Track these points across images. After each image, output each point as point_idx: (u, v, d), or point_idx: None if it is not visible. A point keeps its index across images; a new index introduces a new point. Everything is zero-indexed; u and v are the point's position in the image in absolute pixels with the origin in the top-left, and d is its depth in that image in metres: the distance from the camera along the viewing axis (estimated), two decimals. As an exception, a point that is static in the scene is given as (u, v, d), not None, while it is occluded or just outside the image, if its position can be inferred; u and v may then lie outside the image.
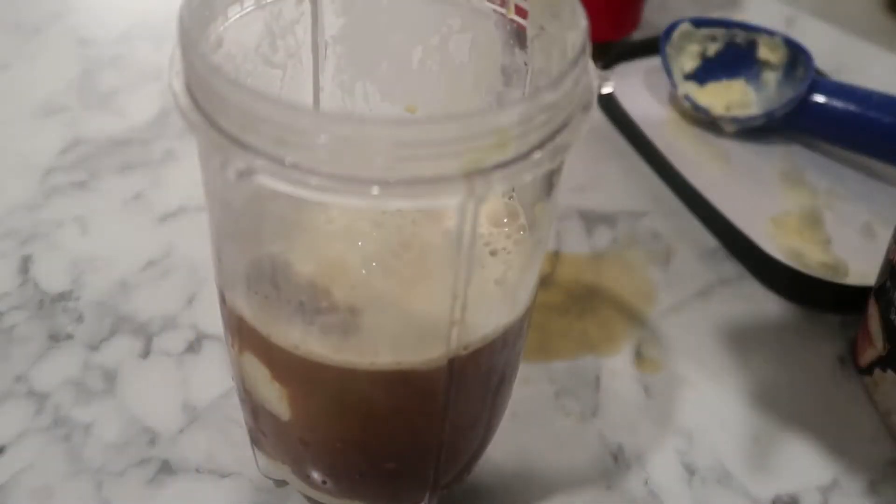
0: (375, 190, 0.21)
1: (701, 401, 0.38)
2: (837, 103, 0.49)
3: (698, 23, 0.54)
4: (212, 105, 0.22)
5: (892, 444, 0.37)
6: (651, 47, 0.56)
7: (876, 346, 0.38)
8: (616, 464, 0.35)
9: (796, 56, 0.52)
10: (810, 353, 0.41)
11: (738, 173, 0.50)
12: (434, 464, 0.31)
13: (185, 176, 0.47)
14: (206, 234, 0.28)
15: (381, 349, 0.26)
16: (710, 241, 0.46)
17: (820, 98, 0.49)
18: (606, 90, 0.25)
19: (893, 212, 0.47)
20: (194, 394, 0.36)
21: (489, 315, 0.27)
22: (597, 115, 0.53)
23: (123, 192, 0.45)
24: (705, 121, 0.53)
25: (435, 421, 0.29)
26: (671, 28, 0.54)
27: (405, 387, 0.27)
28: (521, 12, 0.28)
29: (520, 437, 0.36)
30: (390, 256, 0.25)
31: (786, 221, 0.47)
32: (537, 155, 0.22)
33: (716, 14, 0.61)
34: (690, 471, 0.35)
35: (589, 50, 0.24)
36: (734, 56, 0.54)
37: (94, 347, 0.38)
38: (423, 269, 0.26)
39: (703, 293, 0.43)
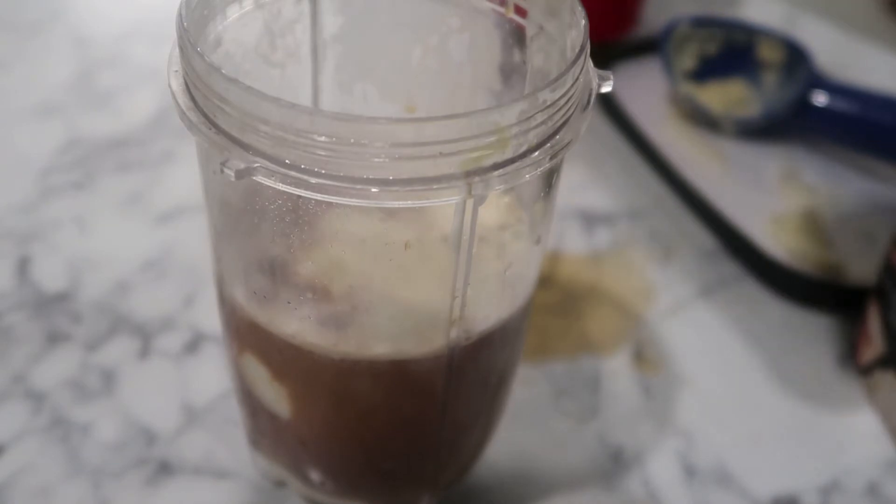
0: (375, 189, 0.21)
1: (701, 401, 0.38)
2: (837, 103, 0.49)
3: (698, 22, 0.54)
4: (210, 105, 0.22)
5: (892, 444, 0.37)
6: (651, 47, 0.56)
7: (876, 346, 0.38)
8: (615, 465, 0.35)
9: (796, 56, 0.52)
10: (810, 353, 0.41)
11: (738, 173, 0.50)
12: (433, 464, 0.31)
13: (183, 176, 0.47)
14: (205, 234, 0.28)
15: (380, 346, 0.26)
16: (710, 241, 0.46)
17: (820, 98, 0.49)
18: (605, 89, 0.25)
19: (893, 212, 0.47)
20: (193, 394, 0.36)
21: (488, 314, 0.27)
22: (596, 114, 0.53)
23: (122, 193, 0.45)
24: (705, 121, 0.53)
25: (434, 420, 0.29)
26: (671, 27, 0.53)
27: (405, 382, 0.27)
28: (520, 11, 0.28)
29: (519, 437, 0.36)
30: (389, 256, 0.25)
31: (786, 221, 0.47)
32: (536, 154, 0.22)
33: (716, 13, 0.61)
34: (690, 471, 0.35)
35: (588, 49, 0.24)
36: (734, 56, 0.54)
37: (92, 348, 0.38)
38: (422, 269, 0.26)
39: (702, 293, 0.43)
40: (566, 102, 0.22)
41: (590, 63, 0.24)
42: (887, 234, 0.45)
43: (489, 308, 0.27)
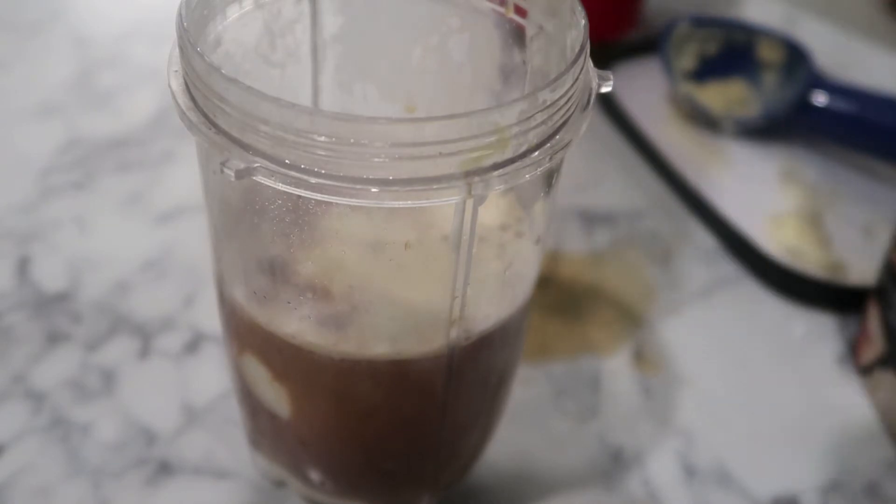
0: (375, 189, 0.21)
1: (701, 401, 0.38)
2: (837, 103, 0.49)
3: (698, 22, 0.54)
4: (210, 104, 0.22)
5: (892, 444, 0.37)
6: (650, 46, 0.56)
7: (876, 346, 0.38)
8: (615, 465, 0.35)
9: (796, 56, 0.52)
10: (810, 353, 0.41)
11: (738, 173, 0.50)
12: (433, 464, 0.31)
13: (183, 176, 0.47)
14: (205, 234, 0.28)
15: (380, 346, 0.26)
16: (709, 241, 0.46)
17: (820, 98, 0.49)
18: (605, 89, 0.25)
19: (893, 212, 0.47)
20: (192, 394, 0.36)
21: (488, 314, 0.27)
22: (596, 114, 0.53)
23: (122, 193, 0.45)
24: (705, 121, 0.53)
25: (434, 420, 0.29)
26: (671, 27, 0.53)
27: (405, 382, 0.27)
28: (520, 11, 0.28)
29: (519, 437, 0.36)
30: (389, 256, 0.25)
31: (786, 221, 0.47)
32: (536, 154, 0.22)
33: (716, 13, 0.61)
34: (690, 471, 0.35)
35: (588, 49, 0.24)
36: (734, 55, 0.54)
37: (92, 348, 0.38)
38: (422, 269, 0.26)
39: (702, 293, 0.43)
40: (566, 102, 0.22)
41: (590, 63, 0.24)
42: (887, 234, 0.45)
43: (489, 308, 0.27)
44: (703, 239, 0.46)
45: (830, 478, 0.36)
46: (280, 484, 0.33)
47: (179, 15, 0.23)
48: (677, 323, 0.41)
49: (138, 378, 0.37)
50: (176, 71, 0.23)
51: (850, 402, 0.39)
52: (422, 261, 0.25)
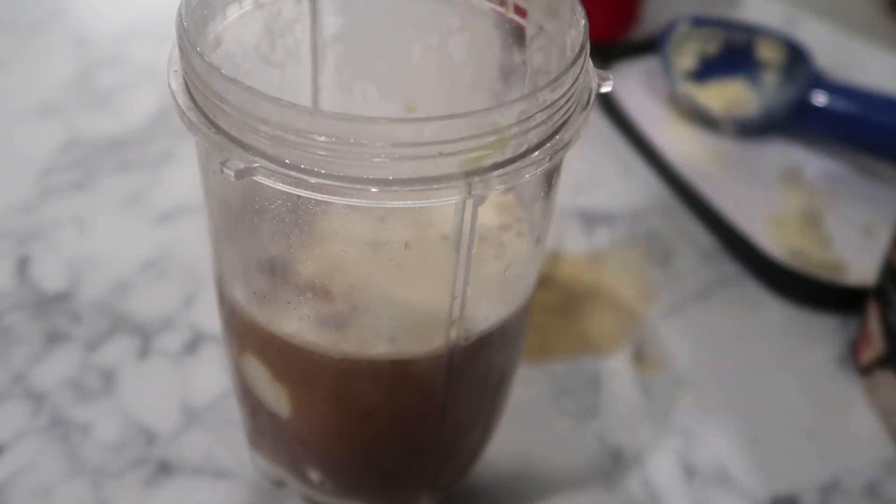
0: (375, 189, 0.21)
1: (701, 401, 0.38)
2: (837, 103, 0.49)
3: (698, 22, 0.54)
4: (210, 104, 0.22)
5: (892, 444, 0.37)
6: (650, 46, 0.56)
7: (876, 346, 0.38)
8: (615, 465, 0.35)
9: (796, 56, 0.52)
10: (810, 353, 0.41)
11: (738, 173, 0.50)
12: (433, 464, 0.31)
13: (183, 176, 0.47)
14: (205, 234, 0.28)
15: (380, 346, 0.26)
16: (709, 241, 0.46)
17: (820, 98, 0.49)
18: (605, 89, 0.25)
19: (893, 212, 0.47)
20: (192, 394, 0.36)
21: (488, 314, 0.27)
22: (596, 114, 0.53)
23: (121, 193, 0.45)
24: (704, 121, 0.53)
25: (434, 420, 0.29)
26: (671, 27, 0.54)
27: (404, 382, 0.27)
28: (520, 11, 0.28)
29: (519, 437, 0.36)
30: (389, 256, 0.25)
31: (785, 221, 0.47)
32: (536, 154, 0.22)
33: (716, 13, 0.61)
34: (690, 471, 0.35)
35: (588, 49, 0.24)
36: (734, 55, 0.54)
37: (92, 348, 0.38)
38: (422, 269, 0.26)
39: (702, 293, 0.43)
40: (566, 102, 0.22)
41: (590, 63, 0.24)
42: (887, 234, 0.45)
43: (489, 308, 0.27)
44: (703, 239, 0.46)
45: (830, 478, 0.36)
46: (280, 484, 0.33)
47: (179, 15, 0.23)
48: (677, 323, 0.41)
49: (138, 378, 0.37)
50: (176, 71, 0.23)
51: (850, 402, 0.39)
52: (421, 261, 0.25)
